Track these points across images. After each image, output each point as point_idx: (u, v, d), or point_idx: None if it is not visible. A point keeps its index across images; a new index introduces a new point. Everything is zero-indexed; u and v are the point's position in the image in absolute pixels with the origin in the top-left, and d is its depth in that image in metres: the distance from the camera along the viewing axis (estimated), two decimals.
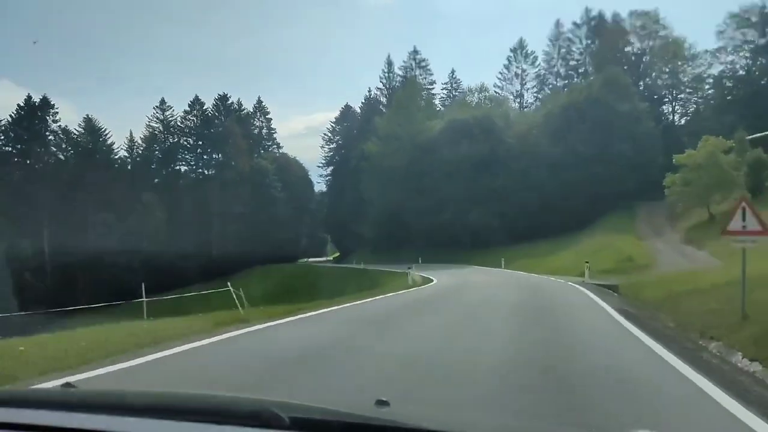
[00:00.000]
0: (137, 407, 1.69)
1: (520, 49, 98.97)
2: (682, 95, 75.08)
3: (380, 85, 79.27)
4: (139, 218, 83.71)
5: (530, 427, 2.01)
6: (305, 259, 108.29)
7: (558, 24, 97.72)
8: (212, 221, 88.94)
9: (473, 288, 24.50)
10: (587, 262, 21.69)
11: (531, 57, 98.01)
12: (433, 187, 61.12)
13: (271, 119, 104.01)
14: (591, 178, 55.46)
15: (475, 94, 70.76)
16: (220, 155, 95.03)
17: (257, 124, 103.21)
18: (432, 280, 32.51)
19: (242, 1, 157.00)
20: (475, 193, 59.22)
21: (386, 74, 78.30)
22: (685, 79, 74.65)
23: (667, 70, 75.94)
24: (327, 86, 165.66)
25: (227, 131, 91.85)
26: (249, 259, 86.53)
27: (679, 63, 74.45)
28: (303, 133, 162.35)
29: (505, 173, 59.14)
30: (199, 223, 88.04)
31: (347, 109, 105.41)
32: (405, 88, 72.15)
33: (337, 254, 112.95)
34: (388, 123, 68.83)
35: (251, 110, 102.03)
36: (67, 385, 2.02)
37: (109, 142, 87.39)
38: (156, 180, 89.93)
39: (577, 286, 21.73)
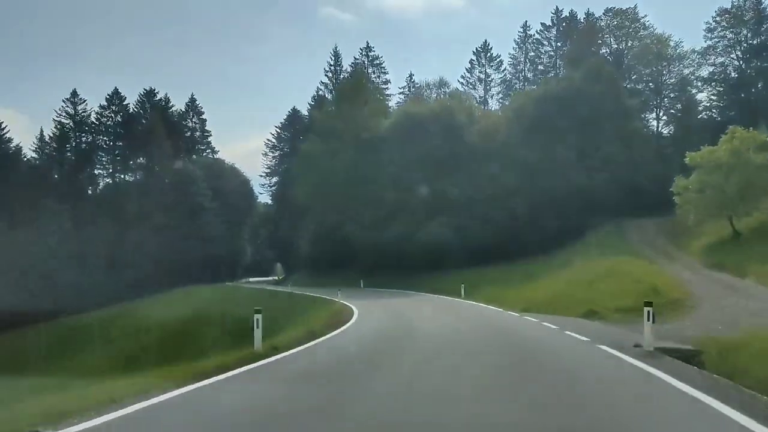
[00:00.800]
0: None
1: (484, 53, 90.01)
2: (667, 99, 66.26)
3: (326, 80, 67.76)
4: (39, 228, 70.54)
5: None
6: (246, 279, 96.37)
7: (526, 26, 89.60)
8: (127, 234, 76.07)
9: (413, 346, 13.57)
10: (649, 306, 10.57)
11: (496, 61, 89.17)
12: (379, 196, 50.28)
13: (206, 120, 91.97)
14: (572, 186, 45.46)
15: (433, 90, 60.53)
16: (144, 158, 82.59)
17: (189, 125, 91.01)
18: (351, 318, 21.72)
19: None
20: (431, 203, 48.60)
21: (332, 67, 67.26)
22: (671, 81, 65.95)
23: (649, 72, 67.18)
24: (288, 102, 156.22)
25: (149, 130, 79.55)
26: (171, 278, 74.17)
27: (664, 64, 65.77)
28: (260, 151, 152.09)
29: (467, 179, 48.72)
30: (113, 236, 75.18)
31: (294, 114, 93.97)
32: (351, 77, 61.23)
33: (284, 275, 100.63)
34: (329, 118, 58.01)
35: (183, 109, 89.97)
36: None
37: (4, 136, 73.96)
38: (63, 185, 76.61)
39: (622, 356, 10.61)
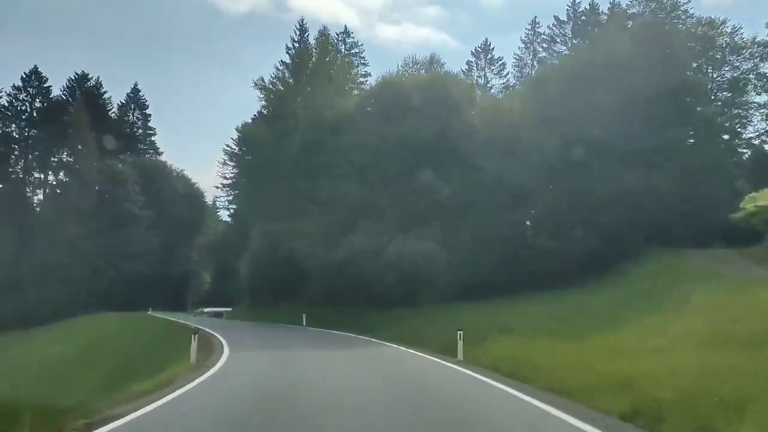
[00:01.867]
0: None
1: (484, 53, 76.41)
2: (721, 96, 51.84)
3: (287, 59, 52.70)
4: None
5: None
6: (200, 309, 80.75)
7: (534, 23, 76.27)
8: (32, 246, 60.15)
9: None
10: None
11: (498, 64, 75.64)
12: (337, 195, 35.13)
13: (150, 116, 77.02)
14: (614, 189, 30.49)
15: (422, 69, 45.91)
16: (66, 155, 67.26)
17: (129, 119, 76.07)
18: None
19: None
20: (410, 207, 33.43)
21: (296, 44, 52.18)
22: (725, 78, 51.69)
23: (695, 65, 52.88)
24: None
25: (73, 119, 64.45)
26: (87, 301, 58.34)
27: (717, 56, 51.60)
28: None
29: (463, 176, 33.61)
30: (12, 247, 59.27)
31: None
32: (315, 45, 46.21)
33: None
34: (280, 95, 43.23)
35: (123, 101, 75.13)
36: None
37: None
38: None
39: None
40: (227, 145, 75.46)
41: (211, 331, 27.63)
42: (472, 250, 31.53)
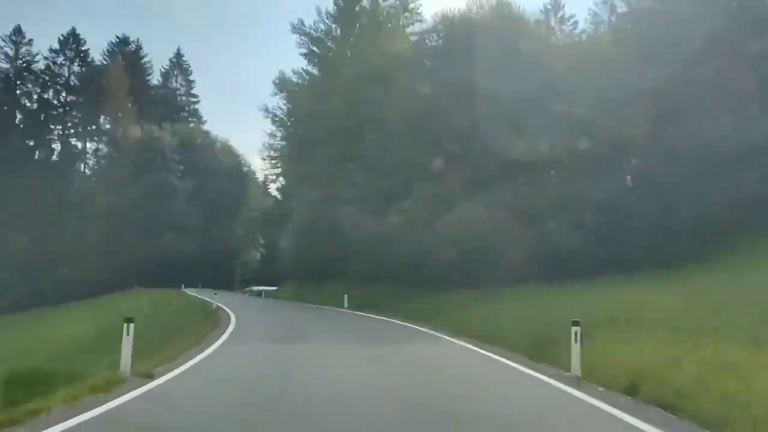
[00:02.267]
0: None
1: (554, 10, 68.54)
2: None
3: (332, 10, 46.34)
4: None
5: None
6: (250, 287, 77.25)
7: None
8: (67, 219, 56.96)
9: None
10: None
11: (570, 22, 67.48)
12: (383, 155, 29.30)
13: (194, 82, 72.89)
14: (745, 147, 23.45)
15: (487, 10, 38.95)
16: (107, 122, 63.68)
17: (172, 86, 72.15)
18: None
19: None
20: (475, 166, 27.26)
21: None
22: None
23: None
24: None
25: (113, 85, 60.73)
26: (122, 277, 54.82)
27: None
28: None
29: (540, 128, 27.08)
30: (47, 221, 56.22)
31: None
32: None
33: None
34: (320, 42, 37.42)
35: (166, 67, 71.22)
36: None
37: None
38: None
39: None
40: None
41: (231, 312, 22.69)
42: (553, 220, 25.22)
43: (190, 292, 46.18)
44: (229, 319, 21.06)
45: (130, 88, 61.98)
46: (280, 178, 71.94)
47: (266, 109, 43.60)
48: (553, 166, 26.75)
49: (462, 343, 13.79)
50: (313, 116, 35.32)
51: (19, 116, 60.18)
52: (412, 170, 28.12)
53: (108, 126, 62.94)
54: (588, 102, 26.86)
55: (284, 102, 42.21)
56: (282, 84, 41.01)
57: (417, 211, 26.86)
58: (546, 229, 24.77)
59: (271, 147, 49.41)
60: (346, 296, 28.86)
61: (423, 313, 20.91)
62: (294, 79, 40.30)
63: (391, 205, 28.45)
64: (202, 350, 12.10)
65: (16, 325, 40.91)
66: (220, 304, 28.26)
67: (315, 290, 39.55)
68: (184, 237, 60.64)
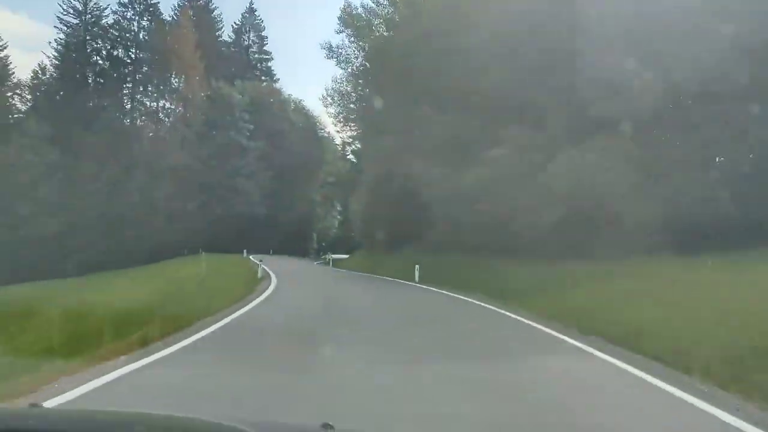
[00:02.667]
0: (106, 429, 1.65)
1: None
2: None
3: None
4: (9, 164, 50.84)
5: None
6: (326, 255, 74.14)
7: None
8: (135, 180, 54.79)
9: None
10: None
11: None
12: (467, 91, 23.51)
13: (266, 38, 68.98)
14: None
15: None
16: (174, 79, 60.86)
17: (244, 42, 68.52)
18: None
19: None
20: (581, 110, 21.08)
21: None
22: None
23: None
24: None
25: (178, 39, 57.64)
26: (186, 241, 52.34)
27: None
28: None
29: (671, 56, 20.57)
30: (114, 181, 54.26)
31: None
32: None
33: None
34: None
35: (238, 22, 67.57)
36: (34, 405, 2.00)
37: None
38: (56, 106, 56.30)
39: None
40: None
41: (271, 284, 18.28)
42: (689, 175, 18.96)
43: (255, 258, 42.65)
44: (263, 291, 16.57)
45: (200, 44, 58.81)
46: (356, 142, 67.39)
47: (329, 48, 38.78)
48: (687, 108, 20.27)
49: (604, 357, 8.04)
50: (383, 51, 29.99)
51: (89, 73, 58.22)
52: (503, 111, 22.36)
53: (177, 84, 60.18)
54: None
55: (351, 39, 37.12)
56: (348, 19, 35.87)
57: (507, 163, 21.20)
58: (677, 187, 18.58)
59: (336, 92, 44.37)
60: (417, 267, 23.71)
61: (519, 293, 15.48)
62: (362, 12, 35.12)
63: (474, 157, 22.89)
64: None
65: (71, 289, 38.58)
66: (272, 274, 23.98)
67: (385, 259, 34.76)
68: (254, 200, 57.35)
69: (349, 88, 41.55)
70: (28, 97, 58.33)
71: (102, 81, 59.30)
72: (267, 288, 18.42)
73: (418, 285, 21.97)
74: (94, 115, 57.32)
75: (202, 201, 54.14)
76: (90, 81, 58.52)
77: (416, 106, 26.44)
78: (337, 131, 61.24)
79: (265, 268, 28.11)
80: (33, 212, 50.55)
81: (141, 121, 59.28)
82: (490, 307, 14.28)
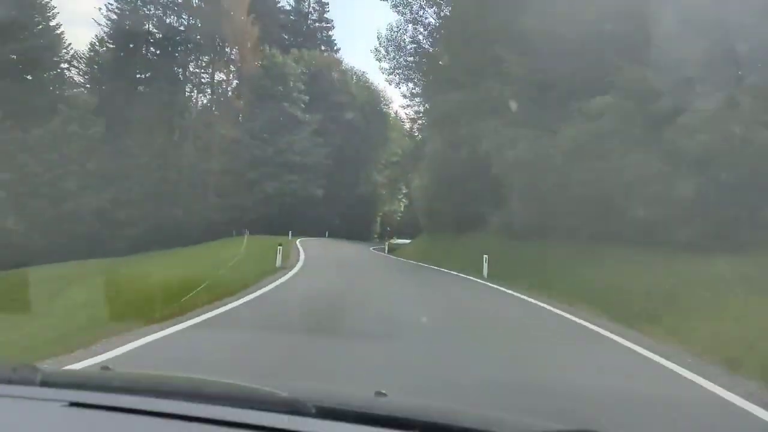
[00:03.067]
0: (172, 391, 1.76)
1: None
2: None
3: None
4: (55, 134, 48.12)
5: (529, 422, 1.65)
6: (392, 239, 69.64)
7: None
8: (185, 152, 51.27)
9: None
10: None
11: None
12: (552, 27, 17.48)
13: (328, 5, 63.89)
14: None
15: None
16: (228, 46, 56.66)
17: (303, 9, 63.76)
18: None
19: None
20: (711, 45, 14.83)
21: None
22: None
23: None
24: None
25: (231, 4, 53.34)
26: (236, 220, 48.70)
27: None
28: None
29: None
30: (163, 154, 50.91)
31: None
32: None
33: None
34: None
35: None
36: (105, 368, 2.13)
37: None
38: (108, 82, 53.29)
39: None
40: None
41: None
42: None
43: (302, 242, 37.91)
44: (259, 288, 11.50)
45: (254, 8, 54.51)
46: (422, 118, 61.52)
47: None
48: None
49: None
50: None
51: (140, 41, 54.94)
52: (606, 49, 16.31)
53: (229, 52, 56.13)
54: None
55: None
56: None
57: (617, 114, 15.22)
58: None
59: (391, 43, 38.59)
60: (486, 259, 18.00)
61: (654, 309, 9.64)
62: None
63: (568, 111, 17.00)
64: None
65: (110, 269, 35.07)
66: (299, 262, 19.00)
67: (448, 246, 29.23)
68: (309, 178, 52.83)
69: (407, 37, 35.54)
70: (85, 69, 55.88)
71: (153, 50, 56.00)
72: (272, 282, 13.38)
73: (486, 282, 16.30)
74: (144, 86, 54.13)
75: (252, 178, 50.04)
76: (141, 50, 55.29)
77: (491, 49, 20.59)
78: (402, 107, 55.64)
79: (301, 250, 23.25)
80: (80, 186, 47.80)
81: (191, 91, 55.73)
82: (613, 337, 8.29)
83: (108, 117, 50.21)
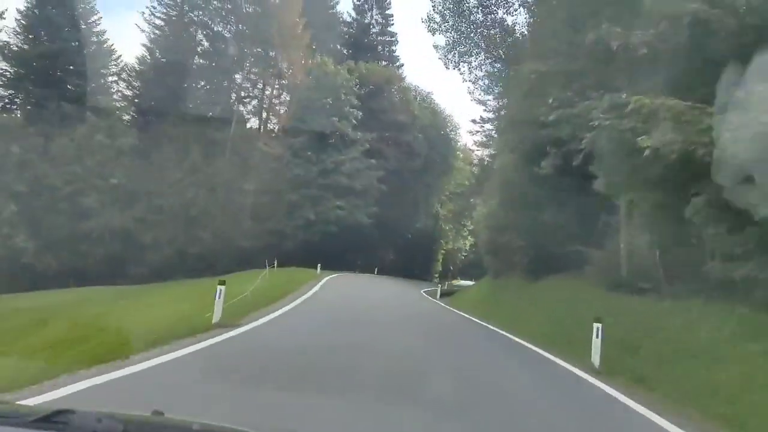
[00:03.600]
0: None
1: None
2: None
3: None
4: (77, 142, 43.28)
5: None
6: (452, 281, 62.49)
7: None
8: (223, 169, 45.37)
9: None
10: None
11: None
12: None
13: (392, 17, 57.75)
14: None
15: None
16: (274, 53, 50.88)
17: (365, 20, 57.81)
18: None
19: None
20: None
21: None
22: None
23: None
24: None
25: (283, 13, 47.77)
26: (273, 248, 41.83)
27: None
28: None
29: None
30: (198, 173, 45.24)
31: None
32: None
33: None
34: None
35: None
36: (156, 413, 2.06)
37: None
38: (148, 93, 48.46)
39: None
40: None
41: None
42: None
43: (331, 280, 30.58)
44: None
45: (311, 20, 49.03)
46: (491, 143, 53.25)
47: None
48: None
49: None
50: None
51: (186, 50, 50.25)
52: None
53: (276, 60, 50.49)
54: None
55: None
56: None
57: None
58: None
59: (448, 10, 28.34)
60: (597, 330, 9.68)
61: None
62: None
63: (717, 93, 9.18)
64: None
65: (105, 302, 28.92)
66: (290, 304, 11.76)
67: (520, 297, 21.20)
68: (356, 204, 45.87)
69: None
70: (136, 84, 51.61)
71: (197, 59, 51.25)
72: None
73: (603, 388, 8.08)
74: (184, 95, 49.05)
75: (292, 200, 43.52)
76: (187, 58, 50.56)
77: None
78: (470, 133, 47.95)
79: (310, 291, 16.15)
80: (102, 202, 42.60)
81: (232, 102, 50.11)
82: None
83: (140, 128, 45.30)
